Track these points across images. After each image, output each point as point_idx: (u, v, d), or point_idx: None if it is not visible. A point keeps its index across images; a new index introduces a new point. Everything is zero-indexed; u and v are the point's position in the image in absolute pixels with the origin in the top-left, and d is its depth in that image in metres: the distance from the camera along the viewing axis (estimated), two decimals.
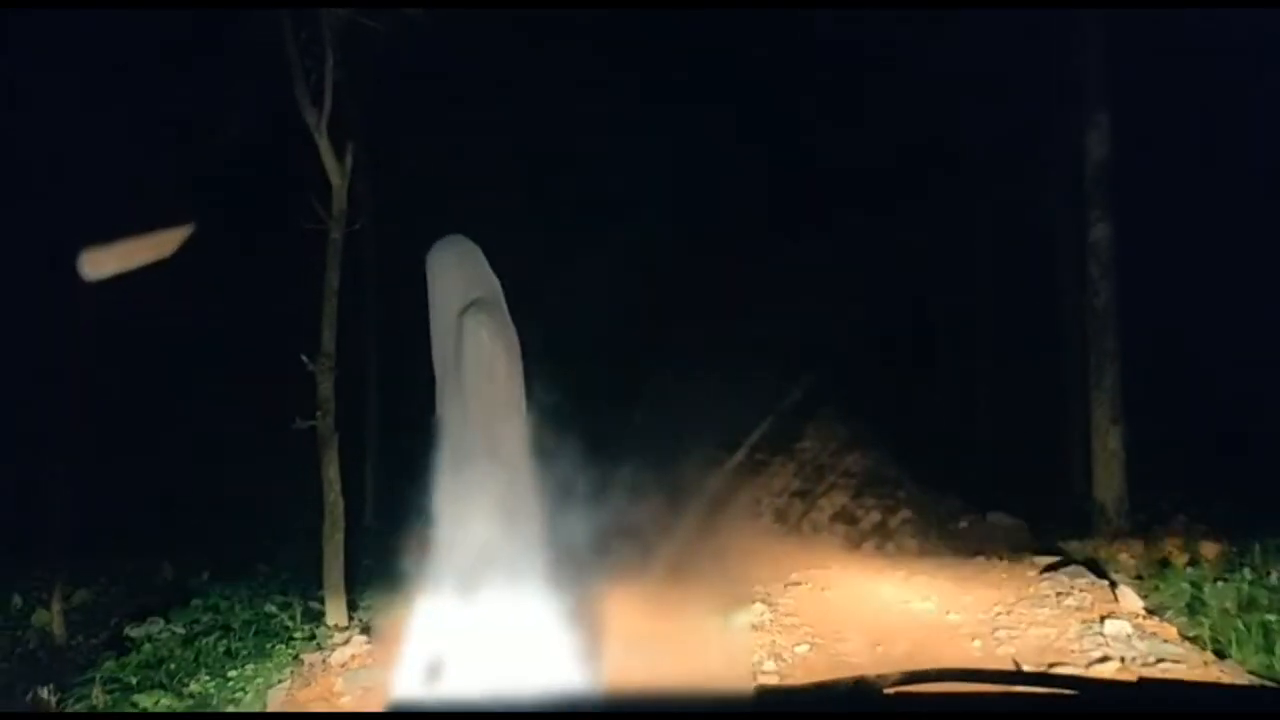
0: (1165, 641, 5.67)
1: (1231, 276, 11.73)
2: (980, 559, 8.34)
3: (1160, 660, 5.31)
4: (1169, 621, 6.21)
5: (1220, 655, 5.55)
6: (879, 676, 1.95)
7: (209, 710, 6.20)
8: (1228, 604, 6.58)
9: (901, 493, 10.60)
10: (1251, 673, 5.49)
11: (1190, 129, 11.27)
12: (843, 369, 11.96)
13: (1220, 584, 7.07)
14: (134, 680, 6.59)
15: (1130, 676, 5.14)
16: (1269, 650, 5.77)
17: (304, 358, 7.05)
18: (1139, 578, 7.82)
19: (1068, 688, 1.94)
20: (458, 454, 6.26)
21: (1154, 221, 10.63)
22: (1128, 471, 9.72)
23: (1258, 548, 7.94)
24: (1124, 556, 8.59)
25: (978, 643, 5.98)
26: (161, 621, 7.84)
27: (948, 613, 6.66)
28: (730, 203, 12.46)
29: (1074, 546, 8.94)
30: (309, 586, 7.62)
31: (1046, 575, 7.22)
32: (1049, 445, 12.04)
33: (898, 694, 1.89)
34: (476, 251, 6.24)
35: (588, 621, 6.50)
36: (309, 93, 6.83)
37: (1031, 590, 6.90)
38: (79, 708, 6.43)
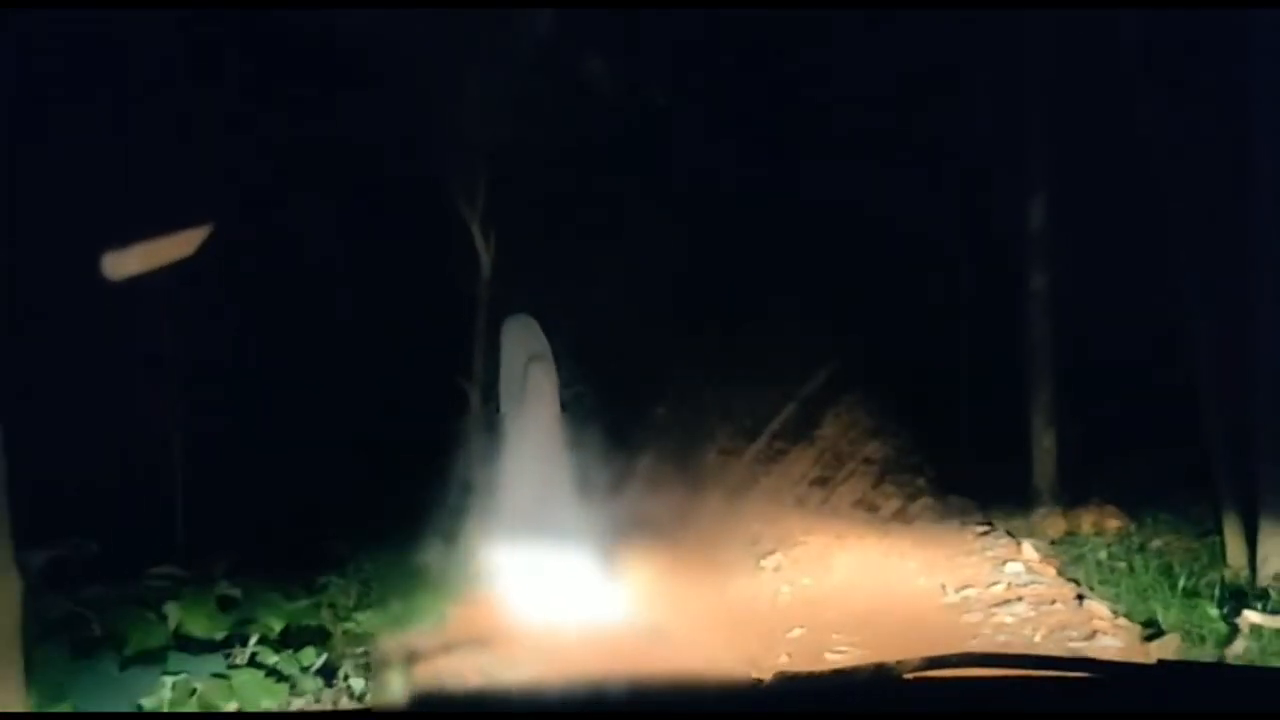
0: (1042, 576, 8.66)
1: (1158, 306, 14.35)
2: (937, 529, 11.27)
3: (1032, 583, 8.32)
4: (1053, 567, 9.18)
5: (1075, 584, 8.51)
6: (898, 662, 1.94)
7: (412, 622, 9.14)
8: (1102, 559, 9.56)
9: (922, 480, 11.66)
10: (1102, 599, 8.41)
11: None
12: (862, 359, 12.48)
13: (1112, 548, 10.03)
14: (350, 604, 9.59)
15: (1013, 594, 8.13)
16: (1116, 585, 8.71)
17: (459, 380, 10.02)
18: (1054, 544, 10.73)
19: (1088, 670, 1.97)
20: (514, 442, 9.80)
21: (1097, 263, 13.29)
22: (1060, 465, 12.58)
23: (1150, 522, 10.88)
24: (1048, 531, 11.52)
25: (923, 579, 8.96)
26: (334, 576, 10.81)
27: (907, 561, 9.64)
28: (744, 197, 13.06)
29: (1015, 523, 11.86)
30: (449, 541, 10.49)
31: (979, 539, 10.23)
32: (1005, 443, 14.83)
33: (917, 679, 1.91)
34: (534, 323, 10.02)
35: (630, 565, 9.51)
36: (467, 199, 9.81)
37: (966, 548, 9.90)
38: (311, 623, 9.40)
